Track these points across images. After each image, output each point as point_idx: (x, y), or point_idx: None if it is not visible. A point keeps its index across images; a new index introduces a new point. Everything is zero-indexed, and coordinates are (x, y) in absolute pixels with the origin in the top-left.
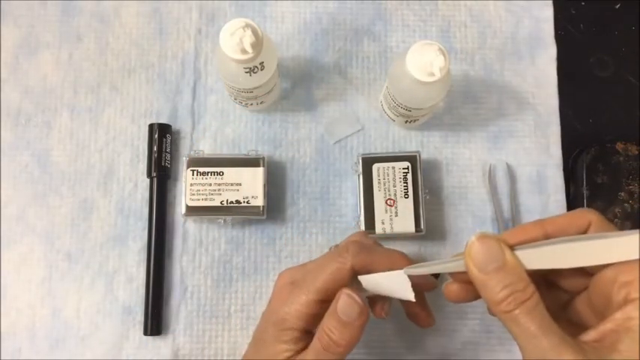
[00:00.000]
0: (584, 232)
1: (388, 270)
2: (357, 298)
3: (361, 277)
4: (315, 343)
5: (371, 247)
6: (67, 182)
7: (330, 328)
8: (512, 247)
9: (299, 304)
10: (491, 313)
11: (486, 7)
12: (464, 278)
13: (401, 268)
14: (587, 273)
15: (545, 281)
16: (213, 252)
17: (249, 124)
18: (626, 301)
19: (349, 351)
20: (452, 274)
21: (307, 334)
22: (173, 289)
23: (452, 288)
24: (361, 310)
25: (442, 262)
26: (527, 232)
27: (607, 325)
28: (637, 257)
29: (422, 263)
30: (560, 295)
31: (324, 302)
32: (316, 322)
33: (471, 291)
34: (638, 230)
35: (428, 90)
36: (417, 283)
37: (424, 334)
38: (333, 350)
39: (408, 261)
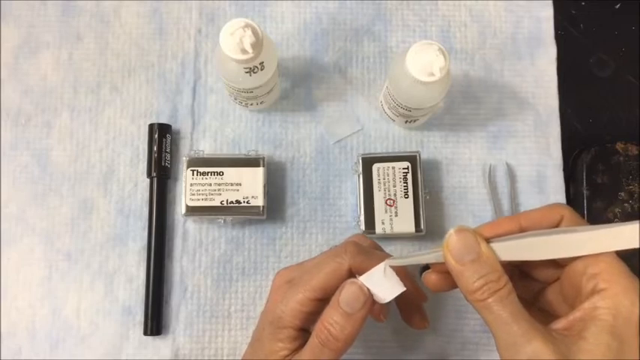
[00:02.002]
0: (557, 225)
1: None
2: (363, 285)
3: (358, 280)
4: (313, 340)
5: (369, 250)
6: (67, 182)
7: (330, 322)
8: (488, 240)
9: (295, 302)
10: (468, 300)
11: (486, 7)
12: (443, 269)
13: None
14: (558, 265)
15: (520, 272)
16: (213, 252)
17: (249, 124)
18: (594, 292)
19: (347, 348)
20: (432, 265)
21: (304, 332)
22: (173, 289)
23: (431, 277)
24: (366, 299)
25: (423, 253)
26: (502, 226)
27: (576, 315)
28: (604, 251)
29: (404, 255)
30: (533, 285)
31: (321, 301)
32: (313, 321)
33: (449, 280)
34: (605, 225)
35: (428, 90)
36: (410, 295)
37: (424, 333)
38: (332, 346)
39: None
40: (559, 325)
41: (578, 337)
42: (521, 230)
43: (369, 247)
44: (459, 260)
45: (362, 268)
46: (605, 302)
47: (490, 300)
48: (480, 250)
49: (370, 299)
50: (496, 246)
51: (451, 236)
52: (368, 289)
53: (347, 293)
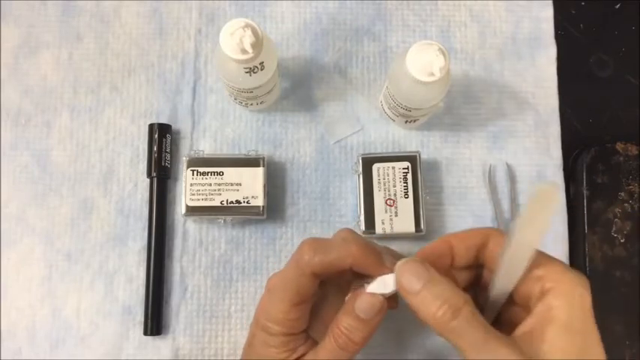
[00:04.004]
0: (484, 243)
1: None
2: (379, 296)
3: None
4: (330, 342)
5: (326, 246)
6: (67, 182)
7: (347, 327)
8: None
9: (276, 310)
10: (433, 330)
11: (486, 7)
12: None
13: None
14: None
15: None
16: (213, 252)
17: (249, 124)
18: (543, 293)
19: (362, 347)
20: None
21: (293, 335)
22: (173, 289)
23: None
24: (381, 305)
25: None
26: (434, 249)
27: (532, 319)
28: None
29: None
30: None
31: (300, 305)
32: (299, 325)
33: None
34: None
35: (428, 90)
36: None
37: (424, 333)
38: (351, 349)
39: (362, 251)
40: (520, 332)
41: (541, 341)
42: (452, 249)
43: (325, 243)
44: (412, 290)
45: (326, 267)
46: (557, 300)
47: (455, 322)
48: (430, 275)
49: (385, 305)
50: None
51: (399, 269)
52: (381, 296)
53: (362, 302)
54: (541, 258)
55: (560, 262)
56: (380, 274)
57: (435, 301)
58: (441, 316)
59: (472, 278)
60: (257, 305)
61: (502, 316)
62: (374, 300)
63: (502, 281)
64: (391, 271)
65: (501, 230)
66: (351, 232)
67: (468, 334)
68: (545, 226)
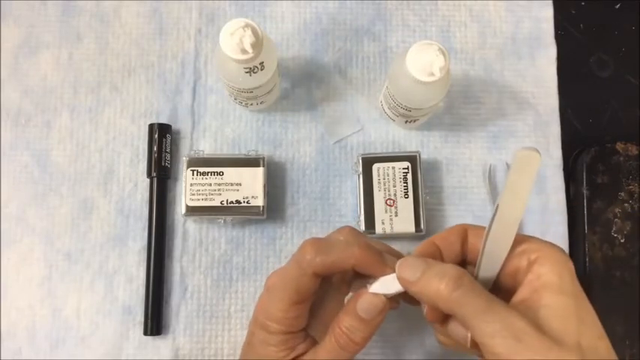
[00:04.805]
0: (464, 238)
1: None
2: (381, 296)
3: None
4: (330, 342)
5: (328, 246)
6: (67, 182)
7: (348, 328)
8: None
9: (275, 309)
10: (442, 309)
11: (486, 7)
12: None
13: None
14: None
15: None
16: (213, 252)
17: (249, 124)
18: (531, 264)
19: (363, 348)
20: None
21: (292, 334)
22: (173, 289)
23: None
24: (383, 306)
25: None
26: (423, 251)
27: (524, 289)
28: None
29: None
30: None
31: (300, 304)
32: (298, 323)
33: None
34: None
35: (428, 90)
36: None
37: (424, 333)
38: (351, 349)
39: (364, 252)
40: (515, 301)
41: (538, 306)
42: (437, 249)
43: (328, 242)
44: (413, 278)
45: (328, 267)
46: (545, 268)
47: (458, 292)
48: (426, 262)
49: (387, 305)
50: None
51: (399, 267)
52: (383, 296)
53: (364, 302)
54: (520, 237)
55: (538, 237)
56: (382, 275)
57: (435, 278)
58: (444, 288)
59: None
60: (256, 304)
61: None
62: (376, 300)
63: (489, 262)
64: (393, 270)
65: (474, 224)
66: (353, 230)
67: (472, 301)
68: (528, 195)
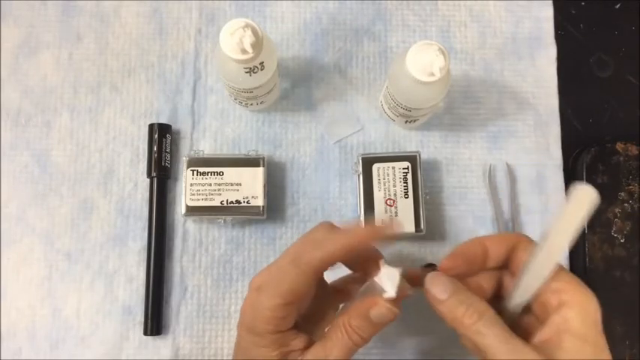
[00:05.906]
0: (515, 247)
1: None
2: (395, 309)
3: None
4: (341, 338)
5: (321, 241)
6: (67, 182)
7: (358, 327)
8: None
9: (265, 309)
10: (459, 333)
11: (486, 7)
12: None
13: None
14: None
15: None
16: (213, 252)
17: (249, 124)
18: (560, 305)
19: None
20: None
21: (281, 333)
22: (173, 289)
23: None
24: (395, 316)
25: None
26: (469, 249)
27: (550, 328)
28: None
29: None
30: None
31: (290, 304)
32: (286, 323)
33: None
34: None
35: (428, 90)
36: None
37: (424, 333)
38: (361, 343)
39: (360, 235)
40: (537, 340)
41: (558, 348)
42: (486, 251)
43: (321, 237)
44: (441, 298)
45: (323, 264)
46: (573, 313)
47: (480, 323)
48: (455, 286)
49: (398, 313)
50: None
51: (429, 280)
52: (396, 309)
53: (379, 312)
54: (558, 270)
55: (574, 276)
56: (377, 271)
57: (460, 305)
58: (468, 318)
59: (495, 285)
60: (241, 307)
61: (516, 326)
62: (390, 313)
63: (524, 288)
64: (381, 257)
65: (530, 238)
66: (327, 224)
67: (493, 334)
68: (577, 230)
